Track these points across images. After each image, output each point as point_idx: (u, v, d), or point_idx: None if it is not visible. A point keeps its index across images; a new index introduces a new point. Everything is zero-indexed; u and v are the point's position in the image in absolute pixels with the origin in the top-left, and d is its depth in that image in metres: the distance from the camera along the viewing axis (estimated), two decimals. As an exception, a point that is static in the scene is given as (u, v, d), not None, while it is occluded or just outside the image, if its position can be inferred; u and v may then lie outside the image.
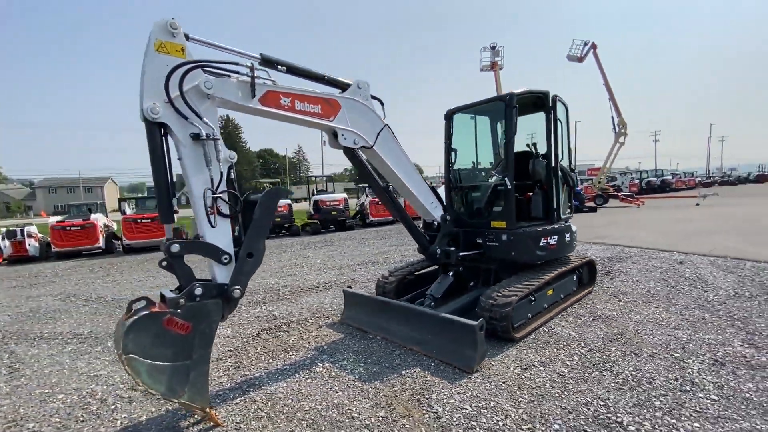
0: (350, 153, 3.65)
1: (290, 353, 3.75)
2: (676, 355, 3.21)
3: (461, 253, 4.33)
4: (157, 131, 2.52)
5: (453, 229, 4.41)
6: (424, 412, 2.64)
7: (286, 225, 14.94)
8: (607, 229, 11.04)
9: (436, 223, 4.45)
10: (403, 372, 3.22)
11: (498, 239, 4.32)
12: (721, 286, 4.92)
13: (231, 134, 74.86)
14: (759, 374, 2.84)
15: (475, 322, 3.25)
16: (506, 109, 4.22)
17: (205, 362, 2.61)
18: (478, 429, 2.42)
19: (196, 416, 2.75)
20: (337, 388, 3.04)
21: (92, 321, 5.23)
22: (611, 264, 6.53)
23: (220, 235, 2.72)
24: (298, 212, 18.51)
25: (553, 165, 4.58)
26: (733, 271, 5.57)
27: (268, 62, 3.02)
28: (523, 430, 2.40)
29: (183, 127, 2.56)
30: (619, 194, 24.58)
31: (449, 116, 4.87)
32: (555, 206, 4.61)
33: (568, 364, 3.18)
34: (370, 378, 3.16)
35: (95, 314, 5.55)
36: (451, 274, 4.50)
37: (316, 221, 15.22)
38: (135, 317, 2.37)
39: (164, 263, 2.60)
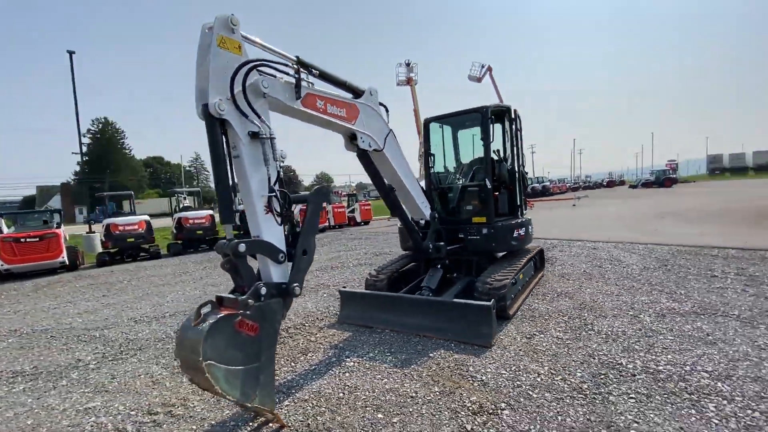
0: (365, 156, 3.86)
1: (309, 355, 3.74)
2: (631, 313, 4.13)
3: (448, 248, 4.81)
4: (219, 128, 2.44)
5: (439, 226, 4.86)
6: (472, 381, 2.99)
7: (146, 246, 12.59)
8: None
9: (423, 221, 4.85)
10: (431, 354, 3.52)
11: (479, 233, 4.90)
12: (632, 263, 6.31)
13: (111, 139, 65.21)
14: (689, 319, 3.86)
15: (488, 303, 3.72)
16: (483, 119, 4.86)
17: (271, 363, 2.57)
18: (523, 386, 2.86)
19: (257, 421, 2.66)
20: (380, 376, 3.20)
21: (27, 356, 4.35)
22: (545, 253, 7.73)
23: (277, 233, 2.71)
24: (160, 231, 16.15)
25: (516, 169, 5.38)
26: (634, 252, 7.14)
27: (303, 65, 3.09)
28: (557, 381, 2.91)
29: (242, 125, 2.52)
30: (532, 201, 28.26)
31: (426, 125, 5.35)
32: (518, 203, 5.40)
33: (560, 330, 3.85)
34: (404, 364, 3.38)
35: (25, 348, 4.61)
36: (439, 266, 4.94)
37: (179, 241, 13.16)
38: (212, 321, 2.26)
39: (227, 264, 2.51)
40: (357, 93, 3.70)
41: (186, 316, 4.90)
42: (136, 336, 4.72)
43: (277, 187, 2.69)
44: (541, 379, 2.94)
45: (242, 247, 2.45)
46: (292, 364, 3.58)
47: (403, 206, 4.66)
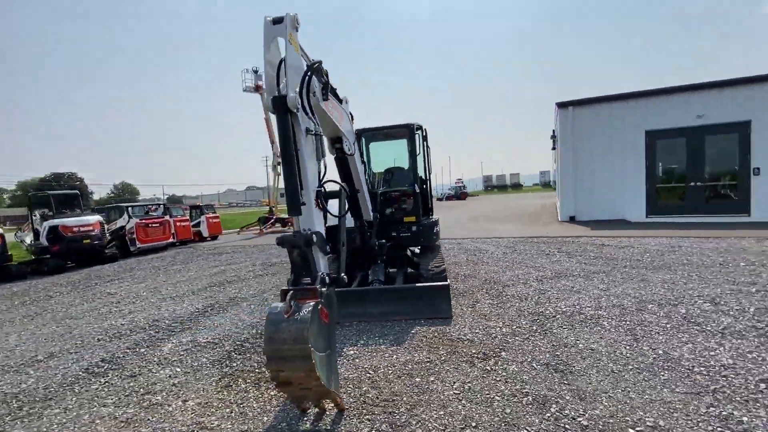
0: (344, 159, 4.15)
1: (299, 355, 3.72)
2: (522, 281, 5.69)
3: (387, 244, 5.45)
4: (289, 122, 2.45)
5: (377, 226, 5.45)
6: (462, 342, 3.73)
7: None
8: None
9: (366, 222, 5.34)
10: (412, 332, 4.08)
11: (410, 230, 5.72)
12: (493, 251, 8.34)
13: None
14: (556, 281, 5.63)
15: (447, 283, 4.55)
16: (410, 134, 5.74)
17: (335, 349, 2.67)
18: (498, 336, 3.78)
19: (309, 416, 2.68)
20: (388, 354, 3.57)
21: None
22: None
23: (323, 226, 2.81)
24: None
25: (426, 176, 6.46)
26: (487, 244, 9.35)
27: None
28: (515, 328, 3.95)
29: (303, 121, 2.59)
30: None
31: (359, 135, 5.86)
32: (430, 206, 6.49)
33: (488, 299, 5.01)
34: (398, 342, 3.84)
35: None
36: (380, 261, 5.50)
37: (48, 256, 10.85)
38: (308, 309, 2.27)
39: (298, 256, 2.49)
40: (339, 99, 3.99)
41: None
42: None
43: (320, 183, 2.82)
44: (505, 330, 3.94)
45: (314, 238, 2.52)
46: (291, 365, 3.51)
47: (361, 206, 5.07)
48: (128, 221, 13.77)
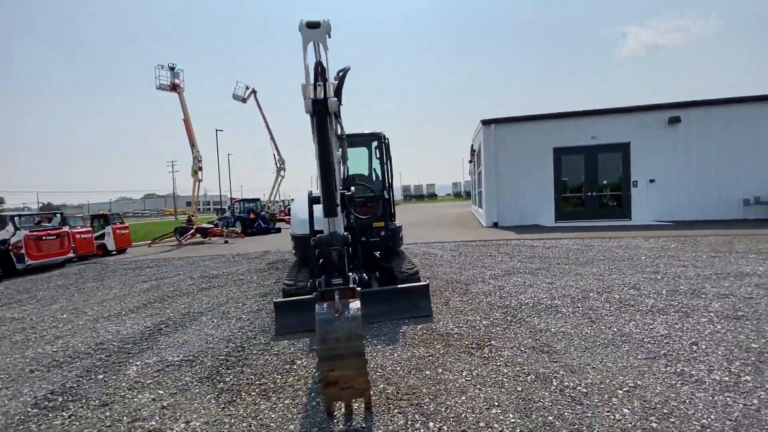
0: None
1: (297, 363, 3.63)
2: (480, 279, 6.22)
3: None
4: (328, 125, 2.48)
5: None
6: (452, 335, 4.00)
7: None
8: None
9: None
10: (401, 331, 4.24)
11: (379, 235, 5.89)
12: (442, 254, 8.88)
13: None
14: (509, 277, 6.28)
15: (426, 282, 4.81)
16: (379, 142, 5.94)
17: None
18: (482, 328, 4.14)
19: (338, 411, 2.69)
20: (388, 353, 3.68)
21: None
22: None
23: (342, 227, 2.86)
24: None
25: (388, 183, 6.70)
26: (435, 248, 9.90)
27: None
28: (492, 320, 4.36)
29: (335, 125, 2.63)
30: (286, 218, 29.62)
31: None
32: (392, 211, 6.72)
33: (457, 296, 5.40)
34: (392, 341, 3.96)
35: None
36: (353, 265, 5.55)
37: None
38: (357, 306, 2.31)
39: (337, 255, 2.50)
40: None
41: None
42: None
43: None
44: (485, 323, 4.33)
45: (348, 238, 2.58)
46: (299, 377, 3.42)
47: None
48: (14, 234, 11.46)
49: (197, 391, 3.23)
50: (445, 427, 2.49)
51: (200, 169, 18.87)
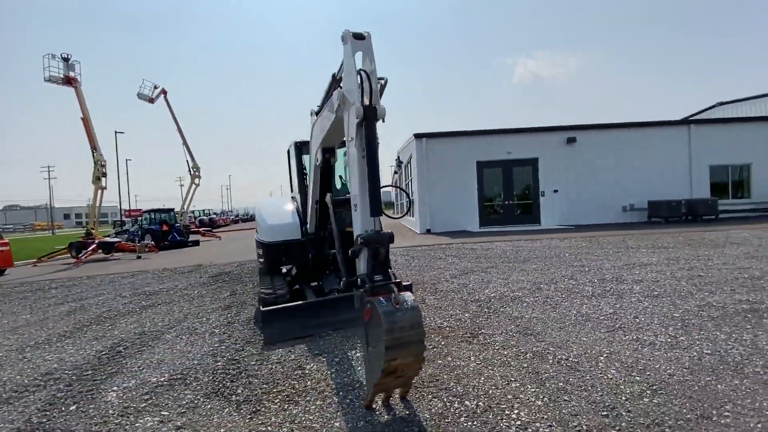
0: (327, 169, 4.27)
1: (308, 368, 3.59)
2: (448, 275, 6.69)
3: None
4: (376, 130, 2.63)
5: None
6: (444, 329, 4.33)
7: None
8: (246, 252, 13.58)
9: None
10: (394, 329, 4.44)
11: (351, 241, 5.99)
12: (419, 256, 9.23)
13: None
14: (475, 274, 6.86)
15: (409, 282, 5.05)
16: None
17: None
18: (467, 320, 4.55)
19: (376, 404, 2.82)
20: (394, 349, 3.85)
21: None
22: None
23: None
24: None
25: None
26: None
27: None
28: (482, 312, 4.81)
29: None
30: (200, 230, 27.29)
31: (300, 147, 5.81)
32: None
33: (432, 296, 5.77)
34: (390, 339, 4.14)
35: None
36: (328, 272, 5.57)
37: None
38: (412, 298, 2.48)
39: (375, 252, 2.62)
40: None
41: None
42: None
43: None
44: (467, 315, 4.75)
45: (393, 237, 2.75)
46: (316, 380, 3.39)
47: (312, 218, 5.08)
48: None
49: (209, 407, 3.02)
50: (480, 404, 2.77)
51: (104, 175, 16.56)
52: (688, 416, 2.49)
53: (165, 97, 26.42)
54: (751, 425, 2.36)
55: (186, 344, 4.44)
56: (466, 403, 2.80)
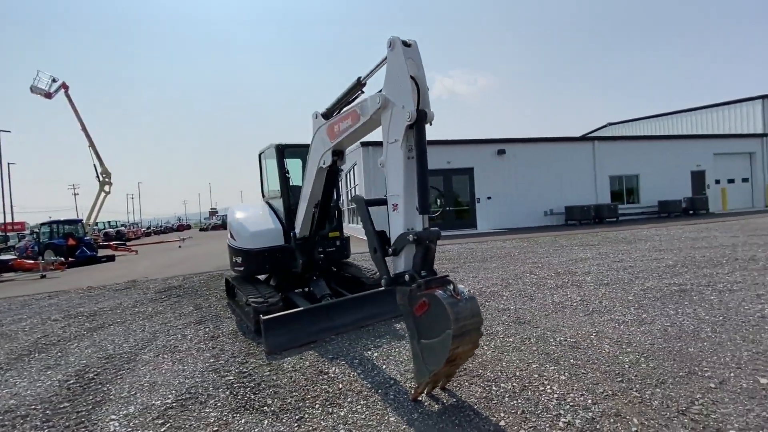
0: (333, 172, 4.27)
1: (332, 372, 3.54)
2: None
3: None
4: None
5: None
6: (444, 324, 4.56)
7: None
8: (181, 266, 12.53)
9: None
10: (396, 326, 4.55)
11: (333, 245, 5.96)
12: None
13: None
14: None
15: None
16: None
17: None
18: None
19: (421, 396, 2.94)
20: (401, 357, 3.96)
21: None
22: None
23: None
24: None
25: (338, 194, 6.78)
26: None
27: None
28: (462, 309, 5.12)
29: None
30: (112, 244, 24.14)
31: (282, 150, 5.63)
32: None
33: (413, 296, 5.96)
34: (402, 337, 4.24)
35: None
36: (315, 277, 5.46)
37: None
38: (465, 289, 2.64)
39: (423, 249, 2.74)
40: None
41: None
42: None
43: None
44: (458, 311, 5.04)
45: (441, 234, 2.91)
46: (347, 381, 3.35)
47: (303, 221, 4.98)
48: None
49: (244, 420, 2.84)
50: (515, 384, 3.04)
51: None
52: (680, 374, 3.04)
53: (66, 92, 23.05)
54: (725, 375, 2.97)
55: (174, 363, 4.03)
56: (502, 385, 3.04)
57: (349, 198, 18.64)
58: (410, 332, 2.87)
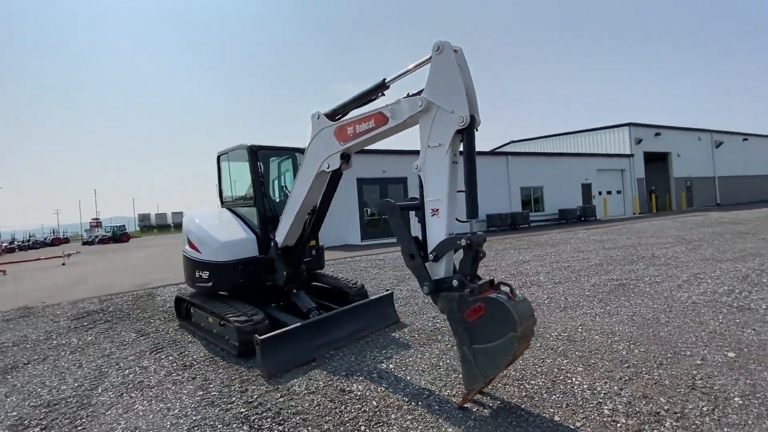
0: (338, 176, 4.04)
1: (351, 392, 3.29)
2: (403, 287, 6.87)
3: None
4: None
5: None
6: (441, 331, 4.60)
7: None
8: (84, 287, 10.68)
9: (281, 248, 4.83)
10: (395, 336, 4.44)
11: (310, 254, 5.59)
12: (342, 268, 8.79)
13: None
14: (413, 281, 7.22)
15: (390, 291, 5.11)
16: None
17: None
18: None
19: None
20: (427, 354, 3.90)
21: None
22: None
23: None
24: None
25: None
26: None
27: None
28: (449, 313, 5.23)
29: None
30: (-35, 263, 19.25)
31: (255, 152, 5.11)
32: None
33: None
34: (408, 345, 4.15)
35: None
36: (296, 290, 5.05)
37: None
38: (517, 291, 2.71)
39: (473, 253, 2.74)
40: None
41: None
42: None
43: None
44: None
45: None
46: (377, 398, 3.14)
47: (291, 230, 4.61)
48: None
49: (285, 456, 2.48)
50: (544, 380, 3.20)
51: None
52: (668, 355, 3.52)
53: None
54: (702, 353, 3.53)
55: (150, 401, 3.36)
56: (533, 382, 3.18)
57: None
58: (459, 338, 2.83)
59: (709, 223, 15.06)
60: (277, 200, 5.70)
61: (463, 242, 2.80)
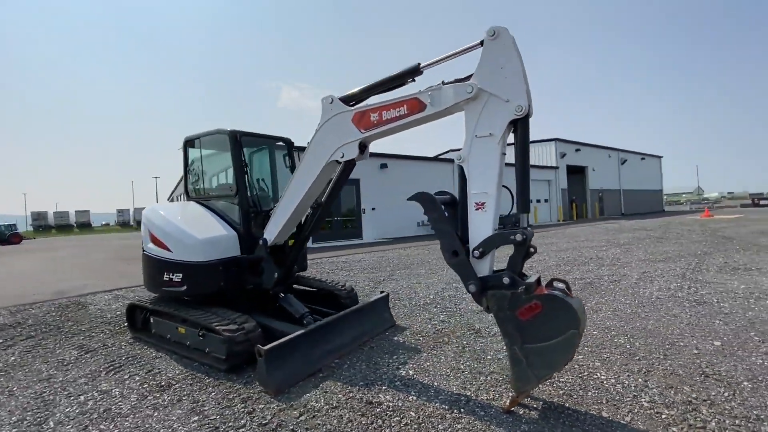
0: (351, 166, 3.70)
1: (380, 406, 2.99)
2: (395, 287, 6.56)
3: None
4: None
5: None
6: (450, 324, 4.46)
7: None
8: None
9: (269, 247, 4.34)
10: (399, 340, 4.20)
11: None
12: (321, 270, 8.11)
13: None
14: (396, 282, 6.98)
15: (383, 294, 4.84)
16: (290, 150, 5.21)
17: None
18: (452, 322, 4.83)
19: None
20: (444, 355, 3.71)
21: None
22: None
23: None
24: None
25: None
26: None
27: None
28: (444, 302, 5.12)
29: None
30: None
31: (238, 138, 4.52)
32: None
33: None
34: (420, 349, 3.93)
35: None
36: (283, 294, 4.55)
37: None
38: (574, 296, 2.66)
39: (524, 250, 2.64)
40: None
41: None
42: None
43: None
44: (443, 316, 5.01)
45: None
46: (409, 407, 2.86)
47: (287, 227, 4.16)
48: None
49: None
50: (571, 378, 3.21)
51: None
52: (667, 345, 3.77)
53: None
54: (693, 342, 3.83)
55: (132, 428, 2.72)
56: (563, 380, 3.17)
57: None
58: (509, 339, 2.70)
59: (626, 229, 17.08)
60: (254, 194, 5.14)
61: (519, 237, 2.68)
